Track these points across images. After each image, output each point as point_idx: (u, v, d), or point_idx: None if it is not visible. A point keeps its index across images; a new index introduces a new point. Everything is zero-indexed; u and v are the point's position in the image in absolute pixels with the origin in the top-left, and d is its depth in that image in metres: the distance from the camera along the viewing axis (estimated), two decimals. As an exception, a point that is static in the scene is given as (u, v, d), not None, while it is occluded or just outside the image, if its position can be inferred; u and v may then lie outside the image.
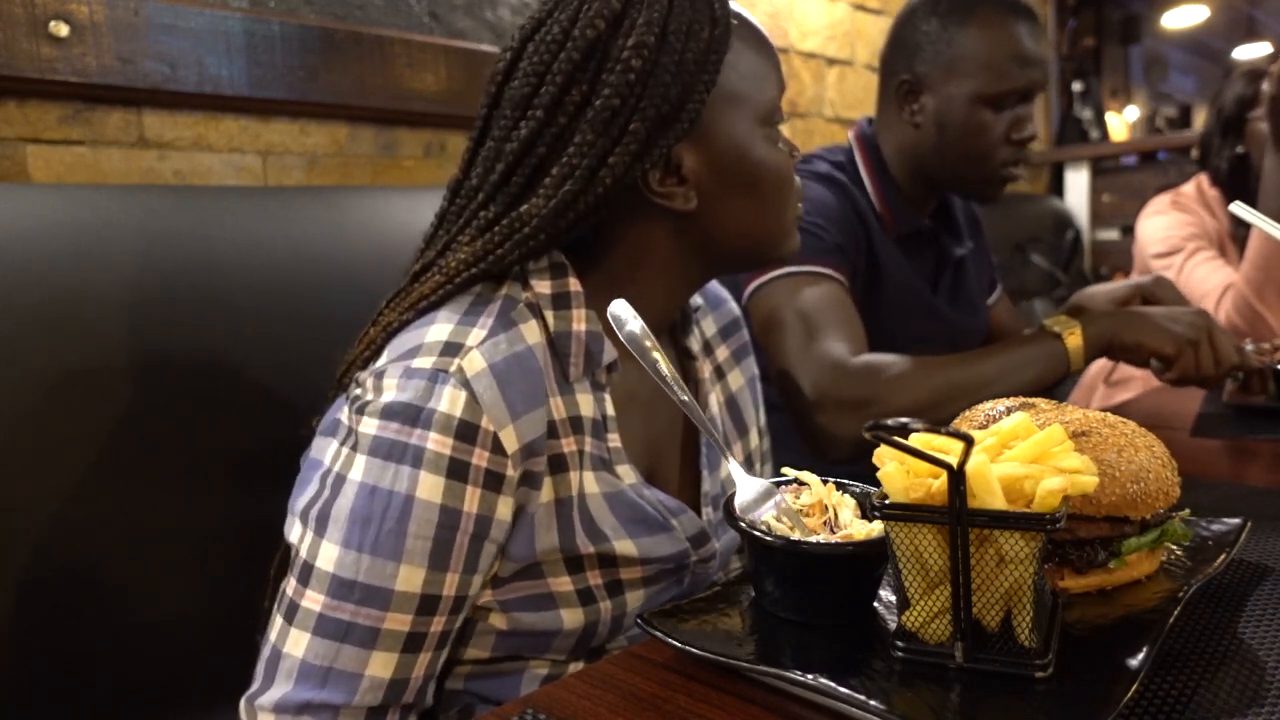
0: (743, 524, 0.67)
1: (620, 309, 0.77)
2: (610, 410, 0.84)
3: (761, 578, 0.69)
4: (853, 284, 1.33)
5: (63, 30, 1.19)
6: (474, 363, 0.73)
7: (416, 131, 1.62)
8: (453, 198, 0.86)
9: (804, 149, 2.36)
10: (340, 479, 0.73)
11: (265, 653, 0.74)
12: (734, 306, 1.08)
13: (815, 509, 0.71)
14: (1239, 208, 1.33)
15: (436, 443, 0.71)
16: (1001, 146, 1.37)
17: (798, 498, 0.73)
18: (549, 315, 0.81)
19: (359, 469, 0.72)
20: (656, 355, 0.76)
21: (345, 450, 0.74)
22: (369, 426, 0.73)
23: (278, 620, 0.74)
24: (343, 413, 0.77)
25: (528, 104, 0.80)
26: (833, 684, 0.56)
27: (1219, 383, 1.20)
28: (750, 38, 0.85)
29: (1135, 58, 4.77)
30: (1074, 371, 1.17)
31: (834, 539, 0.66)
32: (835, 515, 0.70)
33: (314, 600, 0.72)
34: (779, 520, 0.70)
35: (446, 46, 1.59)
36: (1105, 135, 3.62)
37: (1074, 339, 1.16)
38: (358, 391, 0.76)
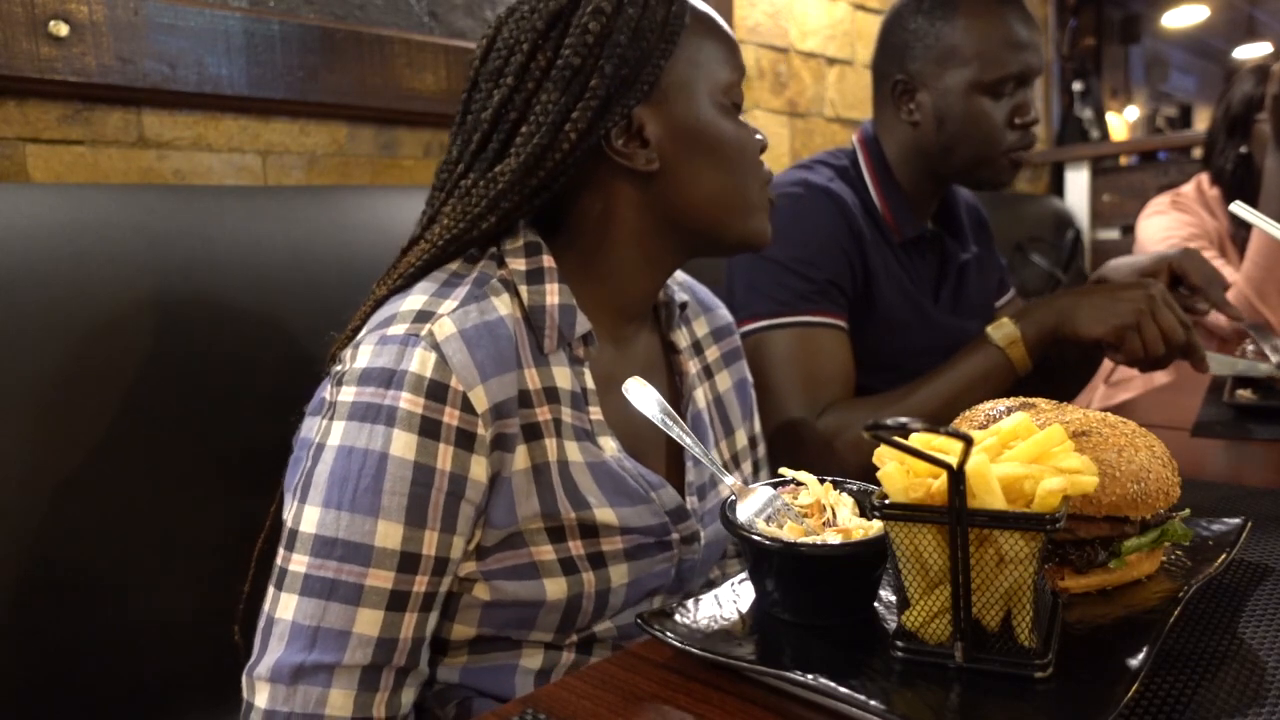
0: (740, 528, 0.67)
1: (634, 388, 0.81)
2: (590, 384, 0.86)
3: (761, 580, 0.69)
4: (851, 311, 1.34)
5: (62, 30, 1.19)
6: (444, 328, 0.77)
7: (416, 131, 1.61)
8: (437, 175, 0.90)
9: (804, 149, 2.38)
10: (320, 447, 0.77)
11: (261, 623, 0.76)
12: (726, 313, 1.11)
13: (814, 509, 0.71)
14: (1239, 207, 1.33)
15: (408, 402, 0.74)
16: (1005, 132, 1.36)
17: (795, 498, 0.73)
18: (523, 290, 0.84)
19: (337, 434, 0.76)
20: (685, 435, 0.80)
21: (325, 421, 0.78)
22: (347, 394, 0.76)
23: (270, 591, 0.76)
24: (327, 389, 0.81)
25: (499, 75, 0.86)
26: (833, 684, 0.56)
27: (1170, 362, 1.19)
28: (709, 22, 0.91)
29: (1135, 57, 4.77)
30: (1024, 374, 1.21)
31: (832, 539, 0.66)
32: (834, 514, 0.70)
33: (299, 562, 0.74)
34: (778, 522, 0.70)
35: (446, 46, 1.59)
36: (1105, 135, 3.62)
37: (1016, 349, 1.20)
38: (339, 367, 0.80)
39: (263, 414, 1.07)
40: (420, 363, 0.75)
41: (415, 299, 0.81)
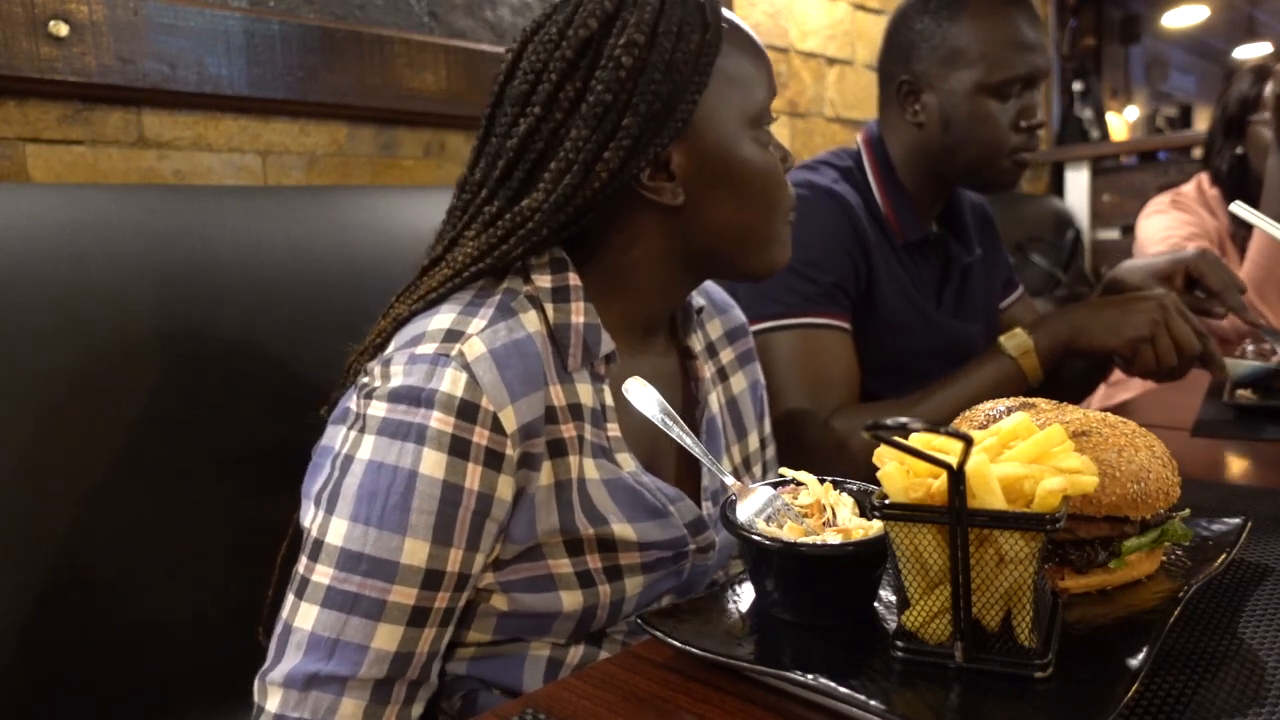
0: (740, 528, 0.67)
1: (634, 388, 0.82)
2: (609, 400, 0.86)
3: (761, 580, 0.69)
4: (854, 313, 1.34)
5: (62, 30, 1.19)
6: (474, 347, 0.76)
7: (416, 131, 1.61)
8: (459, 194, 0.89)
9: (804, 149, 2.38)
10: (349, 459, 0.76)
11: (277, 630, 0.76)
12: (740, 314, 1.10)
13: (814, 509, 0.71)
14: (1239, 207, 1.34)
15: (439, 421, 0.74)
16: (1011, 134, 1.35)
17: (795, 498, 0.73)
18: (549, 308, 0.84)
19: (367, 449, 0.75)
20: (685, 436, 0.80)
21: (354, 434, 0.77)
22: (377, 409, 0.76)
23: (289, 598, 0.76)
24: (352, 401, 0.80)
25: (526, 101, 0.83)
26: (833, 684, 0.56)
27: (1185, 372, 1.19)
28: (742, 42, 0.88)
29: (1135, 58, 4.77)
30: (1035, 384, 1.21)
31: (832, 539, 0.66)
32: (834, 514, 0.70)
33: (323, 574, 0.74)
34: (778, 522, 0.70)
35: (446, 46, 1.58)
36: (1105, 135, 3.62)
37: (1028, 360, 1.21)
38: (365, 380, 0.79)
39: (263, 414, 1.07)
40: (451, 382, 0.74)
41: (443, 317, 0.80)
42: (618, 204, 0.85)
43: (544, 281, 0.85)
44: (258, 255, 1.12)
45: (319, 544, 0.75)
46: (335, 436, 0.82)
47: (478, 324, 0.79)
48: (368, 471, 0.74)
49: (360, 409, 0.78)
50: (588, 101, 0.80)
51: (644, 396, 0.81)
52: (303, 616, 0.74)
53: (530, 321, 0.82)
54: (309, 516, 0.78)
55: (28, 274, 0.96)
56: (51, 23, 1.18)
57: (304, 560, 0.76)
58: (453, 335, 0.78)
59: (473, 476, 0.75)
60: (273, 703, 0.73)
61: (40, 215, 0.99)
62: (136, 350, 1.01)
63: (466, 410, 0.74)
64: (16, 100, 1.21)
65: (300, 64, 1.40)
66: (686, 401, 0.98)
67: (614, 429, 0.85)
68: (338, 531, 0.74)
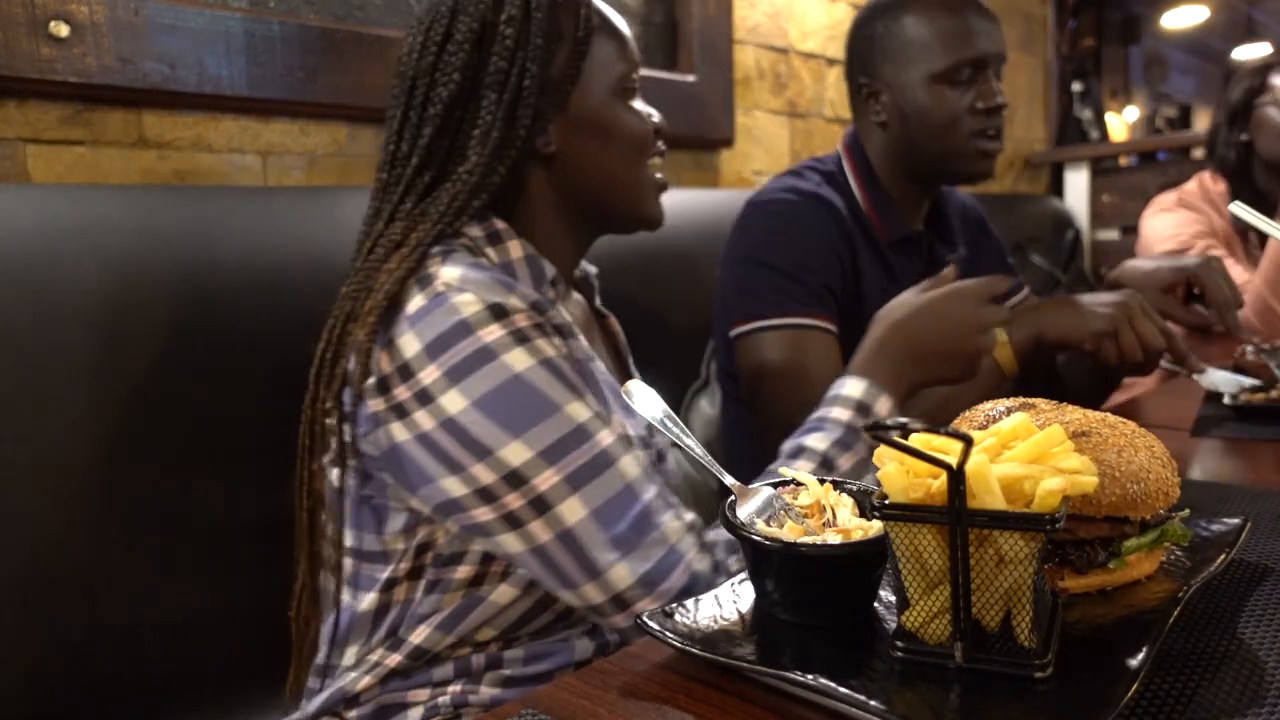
0: (740, 528, 0.67)
1: (636, 389, 0.85)
2: (567, 318, 0.93)
3: (761, 580, 0.69)
4: (840, 314, 1.37)
5: (63, 30, 1.19)
6: (450, 275, 0.84)
7: (416, 131, 1.61)
8: (390, 169, 0.94)
9: (804, 149, 2.38)
10: (451, 421, 0.81)
11: (560, 559, 0.81)
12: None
13: (814, 509, 0.71)
14: (1238, 208, 1.33)
15: (488, 334, 0.81)
16: (966, 118, 1.39)
17: (795, 498, 0.73)
18: (489, 251, 0.92)
19: (459, 399, 0.80)
20: (686, 437, 0.84)
21: (433, 405, 0.81)
22: (430, 373, 0.81)
23: (535, 528, 0.81)
24: (377, 403, 0.83)
25: (434, 71, 0.92)
26: (833, 684, 0.56)
27: (1154, 367, 1.24)
28: (603, 24, 0.99)
29: (1135, 58, 4.78)
30: (1011, 378, 1.24)
31: (832, 539, 0.66)
32: (834, 514, 0.70)
33: (548, 480, 0.80)
34: (778, 523, 0.70)
35: (446, 46, 1.58)
36: (1105, 135, 3.62)
37: (1003, 353, 1.24)
38: (384, 368, 0.83)
39: (263, 414, 1.07)
40: (465, 304, 0.81)
41: (405, 282, 0.85)
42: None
43: (474, 231, 0.92)
44: (258, 255, 1.12)
45: (512, 475, 0.80)
46: (377, 442, 0.84)
47: (434, 269, 0.85)
48: (480, 407, 0.80)
49: (409, 388, 0.81)
50: (488, 70, 0.92)
51: (646, 397, 0.82)
52: (574, 519, 0.80)
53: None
54: (471, 484, 0.81)
55: (28, 274, 0.96)
56: (52, 23, 1.18)
57: (512, 496, 0.80)
58: (424, 281, 0.84)
59: (544, 348, 0.84)
60: (657, 599, 0.81)
61: (40, 215, 1.00)
62: (136, 350, 1.01)
63: (497, 310, 0.82)
64: (17, 101, 1.21)
65: (300, 64, 1.40)
66: (615, 356, 1.10)
67: (584, 341, 0.93)
68: (517, 454, 0.80)
